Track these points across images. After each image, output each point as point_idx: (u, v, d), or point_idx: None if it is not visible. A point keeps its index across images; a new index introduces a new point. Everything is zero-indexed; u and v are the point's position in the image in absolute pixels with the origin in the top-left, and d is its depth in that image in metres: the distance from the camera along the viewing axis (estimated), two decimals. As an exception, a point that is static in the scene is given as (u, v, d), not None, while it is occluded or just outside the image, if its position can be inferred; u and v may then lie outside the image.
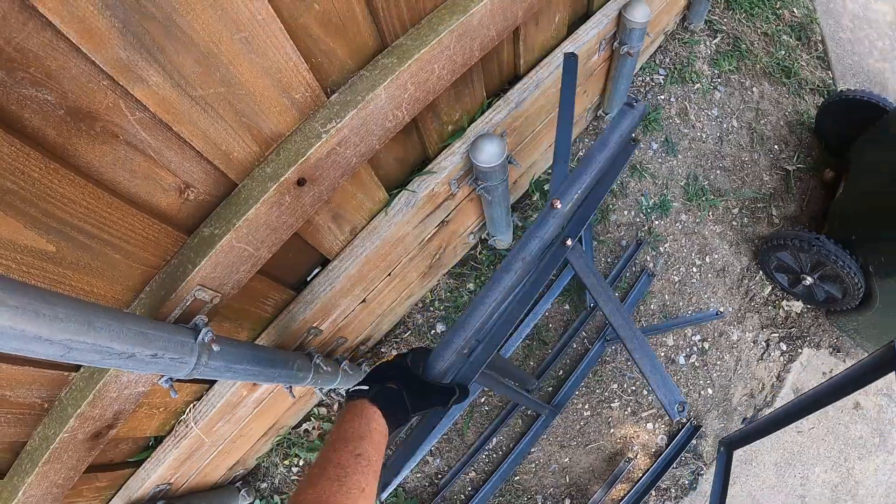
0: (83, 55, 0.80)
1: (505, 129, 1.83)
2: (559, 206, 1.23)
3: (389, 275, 1.91)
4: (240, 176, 1.15)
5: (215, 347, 1.07)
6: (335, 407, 2.41)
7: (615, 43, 2.20)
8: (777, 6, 3.32)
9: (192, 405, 1.54)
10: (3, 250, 0.84)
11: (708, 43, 3.16)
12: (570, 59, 1.60)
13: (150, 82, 0.89)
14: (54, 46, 0.77)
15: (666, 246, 2.71)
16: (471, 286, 2.57)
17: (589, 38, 1.99)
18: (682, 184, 2.83)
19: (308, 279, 1.62)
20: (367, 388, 0.94)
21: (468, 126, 1.75)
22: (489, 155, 1.64)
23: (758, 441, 2.51)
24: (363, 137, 1.25)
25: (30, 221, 0.84)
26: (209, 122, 1.02)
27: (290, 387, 1.53)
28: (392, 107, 1.26)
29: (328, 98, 1.20)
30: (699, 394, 2.52)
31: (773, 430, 1.66)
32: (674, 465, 2.40)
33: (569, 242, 1.30)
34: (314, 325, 1.67)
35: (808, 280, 2.45)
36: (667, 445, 2.45)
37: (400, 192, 1.66)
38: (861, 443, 2.60)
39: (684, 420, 2.50)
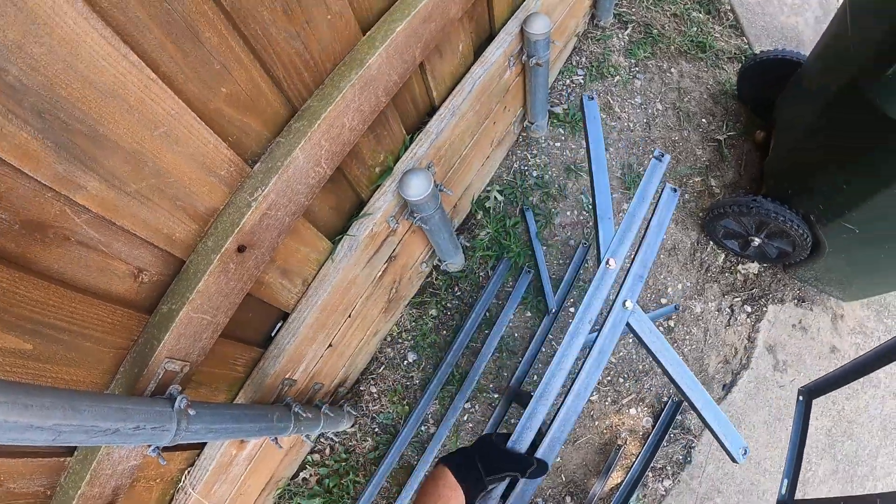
0: (26, 175, 0.87)
1: (431, 161, 1.91)
2: (614, 266, 1.27)
3: (350, 316, 1.95)
4: (185, 253, 1.22)
5: (192, 412, 1.13)
6: (327, 451, 2.43)
7: (523, 56, 2.25)
8: (682, -15, 3.42)
9: (186, 472, 1.57)
10: (-16, 354, 0.90)
11: (620, 35, 3.26)
12: (591, 103, 1.59)
13: (89, 188, 0.97)
14: (0, 172, 0.84)
15: (614, 237, 2.77)
16: (433, 312, 2.62)
17: (496, 58, 2.06)
18: (619, 174, 2.91)
19: (273, 334, 1.67)
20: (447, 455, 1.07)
21: (394, 164, 1.83)
22: (417, 188, 1.71)
23: (741, 403, 2.59)
24: (291, 197, 1.33)
25: (5, 326, 0.90)
26: (148, 212, 1.09)
27: (276, 438, 1.58)
28: (312, 164, 1.34)
29: (252, 168, 1.28)
30: (675, 369, 2.58)
31: (857, 377, 1.55)
32: (664, 443, 2.44)
33: (628, 304, 1.25)
34: (286, 376, 1.72)
35: (757, 241, 2.50)
36: (653, 426, 2.49)
37: (342, 238, 1.73)
38: (845, 384, 2.67)
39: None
